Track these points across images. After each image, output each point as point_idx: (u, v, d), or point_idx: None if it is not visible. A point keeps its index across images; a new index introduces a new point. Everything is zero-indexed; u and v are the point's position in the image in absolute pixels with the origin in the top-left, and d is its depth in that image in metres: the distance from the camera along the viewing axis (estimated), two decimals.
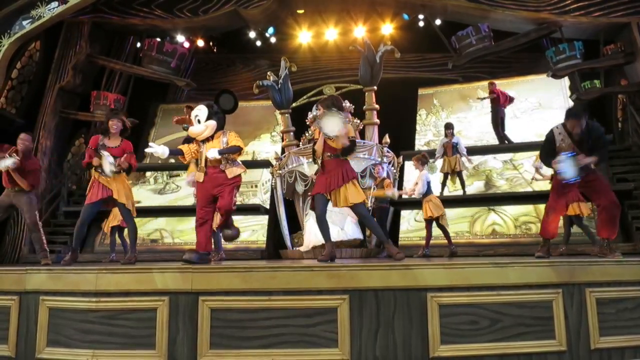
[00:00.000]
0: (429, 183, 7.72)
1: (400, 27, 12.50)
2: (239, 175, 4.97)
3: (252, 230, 10.02)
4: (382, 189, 8.09)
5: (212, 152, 4.75)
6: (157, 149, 4.90)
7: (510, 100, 10.23)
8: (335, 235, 7.82)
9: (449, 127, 9.29)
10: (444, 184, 9.18)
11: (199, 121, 4.83)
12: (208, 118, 4.83)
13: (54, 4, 9.78)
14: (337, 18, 12.45)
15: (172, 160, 10.86)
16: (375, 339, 3.52)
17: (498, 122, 10.12)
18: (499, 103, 10.10)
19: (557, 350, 3.56)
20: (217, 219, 7.71)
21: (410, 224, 9.60)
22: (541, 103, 10.70)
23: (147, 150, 5.00)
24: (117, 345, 3.59)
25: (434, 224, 7.54)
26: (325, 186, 4.86)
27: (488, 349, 3.52)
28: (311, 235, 8.31)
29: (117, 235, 8.24)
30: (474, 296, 3.58)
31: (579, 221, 7.21)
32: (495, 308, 3.58)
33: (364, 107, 9.79)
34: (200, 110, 4.84)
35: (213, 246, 8.14)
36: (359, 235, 8.27)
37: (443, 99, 12.11)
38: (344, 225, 8.18)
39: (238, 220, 9.95)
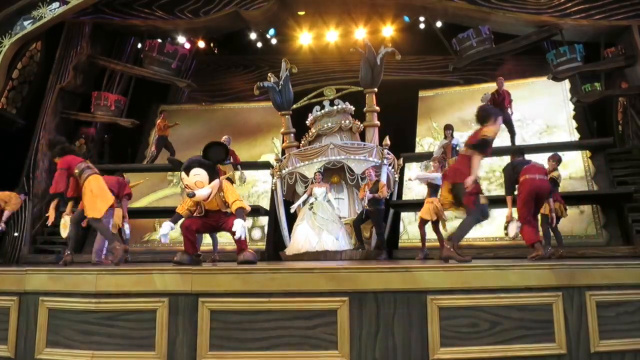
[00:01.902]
0: (438, 186, 7.74)
1: (401, 29, 12.52)
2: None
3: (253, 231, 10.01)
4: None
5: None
6: (164, 230, 4.80)
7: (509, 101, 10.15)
8: (331, 244, 8.11)
9: (448, 127, 9.20)
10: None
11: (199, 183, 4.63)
12: (209, 178, 4.64)
13: (55, 5, 9.79)
14: (338, 20, 12.47)
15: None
16: (375, 341, 3.52)
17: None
18: (503, 105, 10.03)
19: (557, 353, 3.55)
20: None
21: (411, 226, 9.59)
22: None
23: (159, 237, 4.95)
24: (117, 347, 3.59)
25: (431, 227, 7.55)
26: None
27: (488, 351, 3.51)
28: (302, 239, 8.32)
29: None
30: (474, 299, 3.57)
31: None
32: (495, 311, 3.57)
33: (365, 108, 9.81)
34: (200, 173, 4.60)
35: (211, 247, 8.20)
36: (349, 247, 8.37)
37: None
38: (339, 236, 8.22)
39: None
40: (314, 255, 8.08)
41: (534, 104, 10.88)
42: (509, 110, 9.98)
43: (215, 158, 4.71)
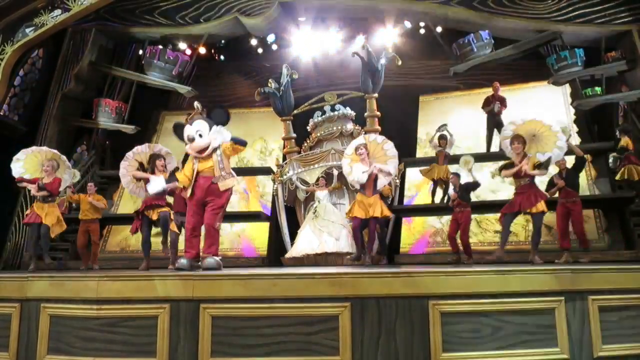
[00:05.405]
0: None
1: (401, 34, 12.53)
2: (231, 188, 4.96)
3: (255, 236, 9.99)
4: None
5: (158, 184, 5.18)
6: (155, 185, 5.00)
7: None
8: (332, 245, 8.14)
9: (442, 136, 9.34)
10: (434, 193, 9.19)
11: (200, 135, 4.77)
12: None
13: (57, 12, 9.83)
14: (339, 25, 12.50)
15: None
16: (377, 347, 3.51)
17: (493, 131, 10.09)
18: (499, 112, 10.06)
19: (559, 358, 3.54)
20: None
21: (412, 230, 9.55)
22: None
23: (149, 191, 5.11)
24: (118, 353, 3.59)
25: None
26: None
27: (490, 357, 3.51)
28: (304, 243, 8.35)
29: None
30: (475, 304, 3.57)
31: None
32: (497, 316, 3.56)
33: (365, 114, 9.82)
34: (202, 125, 4.78)
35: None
36: (351, 249, 8.27)
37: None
38: (340, 237, 8.22)
39: (240, 227, 10.06)
40: (314, 260, 8.09)
41: (534, 108, 10.84)
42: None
43: (217, 120, 4.89)
